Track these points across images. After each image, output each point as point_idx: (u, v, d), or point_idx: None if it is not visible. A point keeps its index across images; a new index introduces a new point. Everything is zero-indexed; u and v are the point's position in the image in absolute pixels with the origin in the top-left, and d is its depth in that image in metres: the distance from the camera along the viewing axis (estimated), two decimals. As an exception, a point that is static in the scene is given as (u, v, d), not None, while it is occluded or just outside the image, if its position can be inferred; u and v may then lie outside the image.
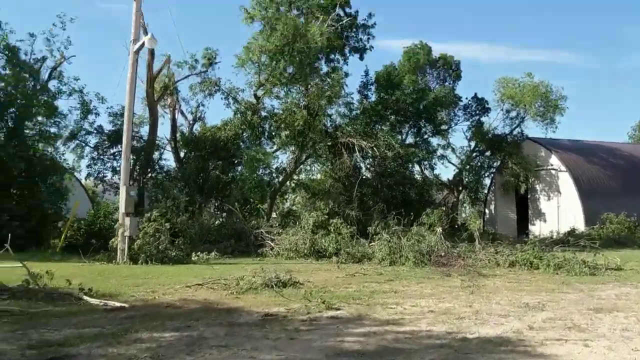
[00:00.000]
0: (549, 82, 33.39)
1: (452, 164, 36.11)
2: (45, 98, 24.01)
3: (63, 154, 26.25)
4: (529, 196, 34.64)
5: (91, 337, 6.74)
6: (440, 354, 6.17)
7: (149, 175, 26.73)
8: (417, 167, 33.55)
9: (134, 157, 25.97)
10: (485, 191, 37.81)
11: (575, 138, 37.62)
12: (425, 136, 33.62)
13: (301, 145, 26.63)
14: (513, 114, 34.72)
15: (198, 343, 6.58)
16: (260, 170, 26.46)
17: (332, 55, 28.20)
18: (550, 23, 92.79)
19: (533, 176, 33.34)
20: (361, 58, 29.56)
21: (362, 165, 29.64)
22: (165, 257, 17.06)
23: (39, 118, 24.11)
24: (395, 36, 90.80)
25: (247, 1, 26.15)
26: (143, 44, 17.50)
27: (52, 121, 24.52)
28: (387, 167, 28.33)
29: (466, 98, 34.95)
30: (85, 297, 9.48)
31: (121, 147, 19.11)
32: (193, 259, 17.95)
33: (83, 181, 32.38)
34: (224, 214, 25.61)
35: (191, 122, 28.96)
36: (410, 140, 33.08)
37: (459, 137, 33.99)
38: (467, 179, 36.33)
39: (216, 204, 27.02)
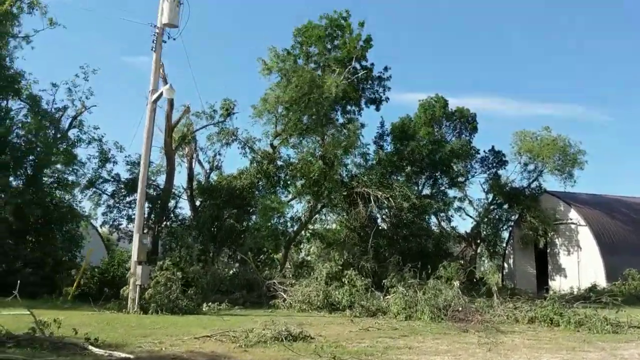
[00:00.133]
0: (567, 135, 33.31)
1: (470, 216, 35.73)
2: (65, 146, 24.40)
3: (80, 202, 26.48)
4: (548, 250, 33.97)
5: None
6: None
7: (164, 223, 26.72)
8: (434, 219, 33.28)
9: (150, 206, 26.09)
10: (504, 245, 37.18)
11: (593, 192, 37.11)
12: (442, 188, 33.46)
13: (316, 195, 26.55)
14: (531, 167, 34.56)
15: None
16: (275, 219, 26.34)
17: (349, 107, 28.47)
18: (566, 78, 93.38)
19: (552, 230, 32.79)
20: (377, 109, 29.90)
21: (378, 215, 29.40)
22: (176, 307, 16.79)
23: (58, 166, 24.43)
24: (411, 90, 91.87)
25: (265, 53, 26.76)
26: (161, 93, 17.79)
27: (70, 169, 24.83)
28: (403, 218, 28.03)
29: (484, 151, 34.96)
30: (90, 347, 9.26)
31: (137, 195, 19.19)
32: (204, 309, 17.69)
33: (99, 229, 32.54)
34: (237, 264, 25.36)
35: (208, 171, 29.17)
36: (426, 191, 32.93)
37: (476, 189, 33.88)
38: (485, 232, 35.78)
39: (230, 253, 26.83)
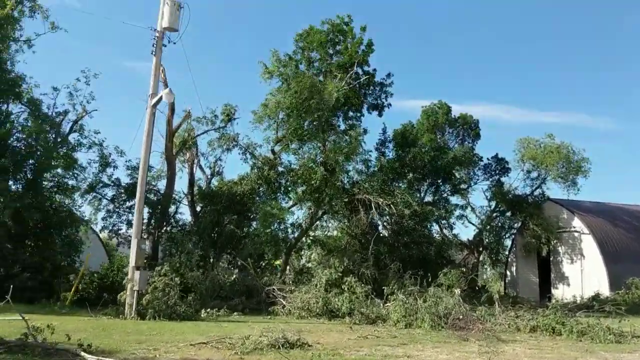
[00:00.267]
0: (570, 143, 33.12)
1: (472, 223, 35.55)
2: (65, 150, 24.30)
3: (80, 206, 26.38)
4: (551, 258, 33.71)
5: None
6: None
7: (165, 229, 26.61)
8: (436, 227, 33.08)
9: (150, 211, 26.01)
10: (506, 252, 36.92)
11: (596, 200, 36.87)
12: (444, 195, 33.30)
13: (317, 201, 26.38)
14: (534, 174, 34.35)
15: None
16: (275, 225, 26.19)
17: (350, 113, 28.33)
18: (570, 85, 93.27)
19: (555, 238, 32.54)
20: (380, 115, 29.76)
21: (379, 222, 29.22)
22: (174, 313, 16.62)
23: (58, 170, 24.33)
24: (414, 96, 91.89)
25: (266, 57, 26.70)
26: (161, 97, 17.70)
27: (70, 173, 24.71)
28: (405, 225, 27.84)
29: (487, 158, 34.83)
30: (82, 353, 9.10)
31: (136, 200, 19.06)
32: (202, 315, 17.55)
33: (100, 234, 32.43)
34: (237, 270, 25.21)
35: (209, 176, 29.11)
36: (428, 198, 32.76)
37: (479, 196, 33.66)
38: (487, 240, 35.57)
39: (230, 259, 26.68)
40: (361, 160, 28.59)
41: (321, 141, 26.77)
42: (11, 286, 11.10)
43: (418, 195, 31.65)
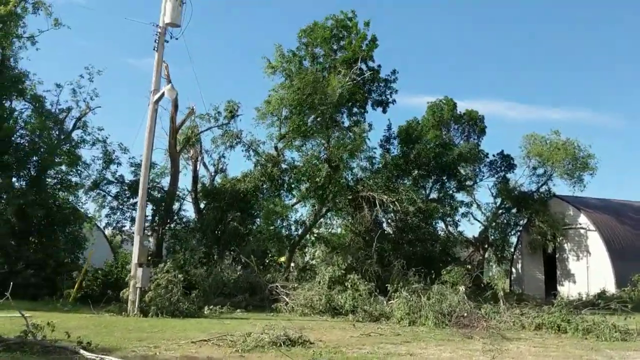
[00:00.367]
0: (576, 139, 32.84)
1: (478, 220, 35.31)
2: (69, 147, 24.28)
3: (84, 203, 26.34)
4: (557, 255, 33.48)
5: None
6: None
7: (168, 226, 26.56)
8: (441, 224, 32.91)
9: (154, 208, 25.93)
10: (512, 249, 36.71)
11: (602, 197, 36.57)
12: (449, 192, 33.09)
13: (321, 198, 26.24)
14: (540, 171, 34.06)
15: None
16: (278, 222, 26.10)
17: (355, 109, 28.16)
18: (575, 82, 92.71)
19: (561, 235, 32.31)
20: (384, 111, 29.56)
21: (384, 219, 29.05)
22: (177, 310, 16.58)
23: (62, 167, 24.32)
24: (418, 93, 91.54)
25: (270, 53, 26.54)
26: (163, 94, 17.61)
27: (74, 170, 24.69)
28: (409, 222, 27.69)
29: (492, 155, 34.58)
30: (81, 351, 9.03)
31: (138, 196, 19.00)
32: (205, 312, 17.53)
33: (105, 231, 32.40)
34: (240, 267, 25.12)
35: (213, 173, 28.98)
36: (433, 195, 32.54)
37: (485, 193, 33.42)
38: (492, 237, 35.34)
39: (234, 256, 26.61)
40: (365, 157, 28.51)
41: (325, 138, 26.63)
42: (11, 283, 10.99)
43: (423, 192, 31.44)
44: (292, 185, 27.45)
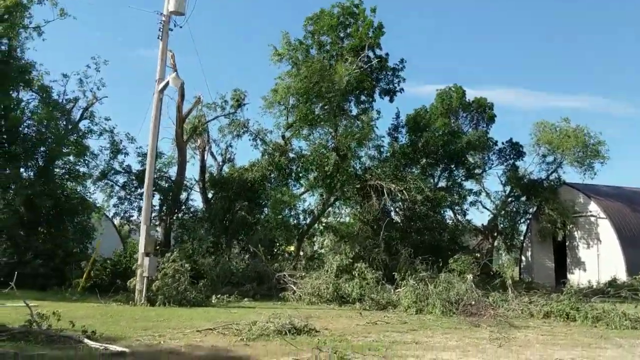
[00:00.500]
0: (586, 126, 32.43)
1: (487, 209, 35.05)
2: (76, 137, 24.31)
3: (93, 193, 26.41)
4: (567, 243, 33.20)
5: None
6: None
7: (176, 215, 26.60)
8: (449, 212, 32.72)
9: (162, 197, 25.97)
10: (522, 238, 36.48)
11: (613, 184, 36.17)
12: (458, 180, 32.90)
13: (329, 187, 26.14)
14: (550, 158, 33.72)
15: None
16: (286, 211, 26.05)
17: (362, 97, 27.96)
18: (586, 68, 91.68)
19: (571, 223, 32.01)
20: (391, 100, 29.35)
21: (392, 208, 28.89)
22: (184, 299, 16.62)
23: (70, 157, 24.36)
24: (427, 82, 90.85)
25: (277, 41, 26.36)
26: (168, 82, 17.52)
27: (81, 160, 24.73)
28: (417, 210, 27.54)
29: (502, 143, 34.27)
30: (86, 340, 9.04)
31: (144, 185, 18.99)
32: (213, 301, 17.50)
33: (114, 221, 32.54)
34: (247, 256, 25.13)
35: (220, 163, 28.99)
36: (442, 183, 32.37)
37: (494, 181, 33.18)
38: (502, 225, 35.13)
39: (242, 245, 26.62)
40: (373, 146, 28.38)
41: (332, 126, 26.48)
42: (17, 273, 11.02)
43: (431, 180, 31.31)
44: (300, 175, 27.41)
